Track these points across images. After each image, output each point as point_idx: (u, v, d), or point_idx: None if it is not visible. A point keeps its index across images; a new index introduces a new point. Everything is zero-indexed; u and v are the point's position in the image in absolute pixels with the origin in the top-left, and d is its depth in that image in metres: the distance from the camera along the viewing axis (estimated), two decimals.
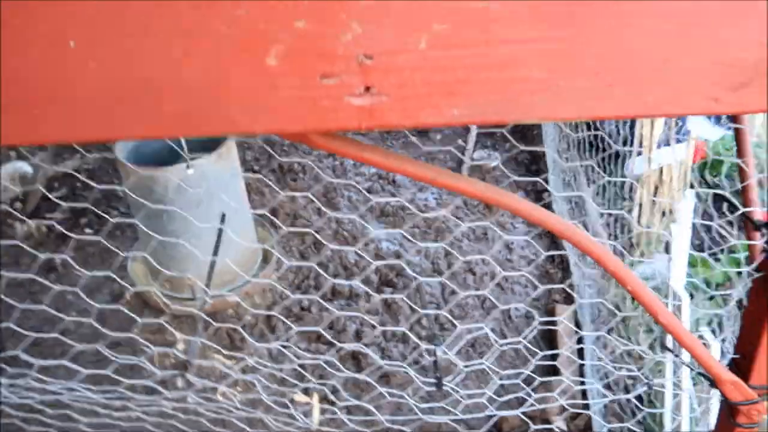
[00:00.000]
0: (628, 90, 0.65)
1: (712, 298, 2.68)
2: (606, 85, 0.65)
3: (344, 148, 0.76)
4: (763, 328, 0.96)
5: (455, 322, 1.75)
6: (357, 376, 1.93)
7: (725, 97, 0.65)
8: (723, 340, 1.75)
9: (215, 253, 2.64)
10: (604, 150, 3.05)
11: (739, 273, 2.73)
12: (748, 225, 1.01)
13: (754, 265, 0.94)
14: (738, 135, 1.07)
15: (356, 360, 2.73)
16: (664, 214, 2.99)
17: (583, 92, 0.65)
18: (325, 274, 2.78)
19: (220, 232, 2.52)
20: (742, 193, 1.05)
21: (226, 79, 0.64)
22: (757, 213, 1.02)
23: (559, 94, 0.65)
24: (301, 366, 2.44)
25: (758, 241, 0.89)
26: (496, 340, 1.72)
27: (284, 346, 2.47)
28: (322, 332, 2.15)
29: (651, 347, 2.40)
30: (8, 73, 0.65)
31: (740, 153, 1.07)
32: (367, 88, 0.65)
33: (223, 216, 2.67)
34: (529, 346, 1.39)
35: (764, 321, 0.95)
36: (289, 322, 2.59)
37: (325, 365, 1.80)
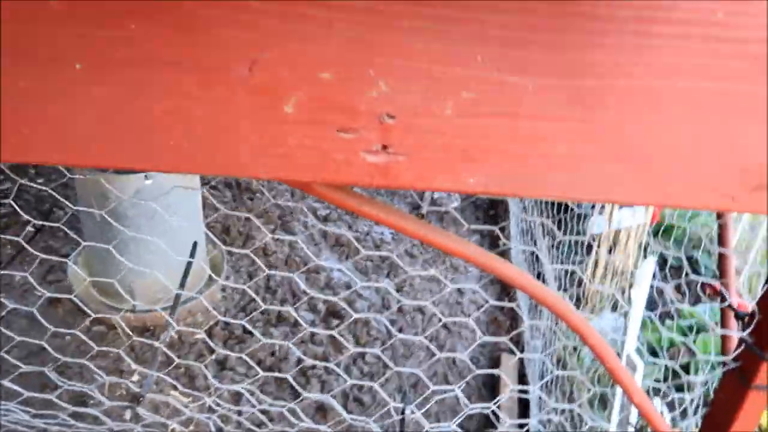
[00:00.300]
0: (649, 179, 0.64)
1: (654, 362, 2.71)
2: (627, 172, 0.63)
3: (345, 200, 0.73)
4: (734, 417, 0.96)
5: (428, 382, 1.72)
6: (320, 426, 1.87)
7: (741, 197, 0.65)
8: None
9: (182, 285, 2.57)
10: (564, 205, 3.08)
11: (689, 339, 2.76)
12: (726, 314, 1.02)
13: (732, 356, 0.94)
14: (721, 226, 1.08)
15: (294, 390, 2.68)
16: (615, 274, 3.03)
17: (604, 175, 0.64)
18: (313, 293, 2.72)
19: (189, 264, 2.45)
20: (723, 282, 1.05)
21: (239, 121, 0.61)
22: (734, 302, 1.03)
23: (580, 175, 0.64)
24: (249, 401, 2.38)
25: (743, 333, 0.89)
26: (466, 404, 1.69)
27: (238, 384, 2.40)
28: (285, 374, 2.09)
29: (591, 406, 2.41)
30: (4, 86, 0.61)
31: (722, 242, 1.08)
32: (385, 147, 0.62)
33: (195, 245, 2.60)
34: (497, 411, 1.37)
35: (736, 411, 0.95)
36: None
37: (288, 414, 1.74)
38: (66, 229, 1.71)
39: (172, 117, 0.61)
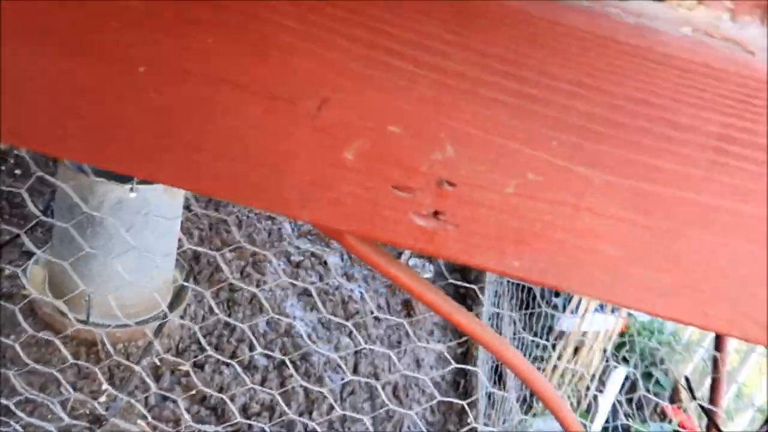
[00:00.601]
0: (694, 298, 0.62)
1: None
2: (674, 286, 0.62)
3: (375, 257, 0.70)
4: None
5: None
6: None
7: None
8: None
9: (171, 306, 2.50)
10: (534, 294, 3.08)
11: None
12: None
13: None
14: (719, 352, 1.07)
15: None
16: (575, 375, 3.01)
17: (650, 285, 0.62)
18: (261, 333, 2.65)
19: (181, 287, 2.38)
20: (712, 410, 1.03)
21: (294, 157, 0.59)
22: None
23: (625, 280, 0.62)
24: None
25: None
26: None
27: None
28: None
29: None
30: (54, 72, 0.58)
31: (716, 368, 1.07)
32: (437, 213, 0.60)
33: (190, 271, 2.54)
34: None
35: None
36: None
37: None
38: (47, 218, 1.65)
39: (227, 140, 0.58)
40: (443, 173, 0.59)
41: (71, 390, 1.99)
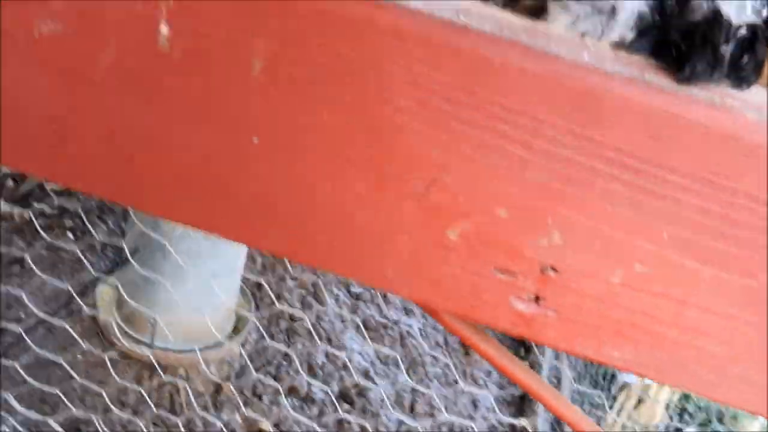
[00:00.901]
0: None
1: None
2: None
3: (471, 335, 0.70)
4: None
5: None
6: None
7: None
8: None
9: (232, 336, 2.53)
10: None
11: None
12: None
13: None
14: None
15: None
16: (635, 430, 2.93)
17: (750, 385, 0.60)
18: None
19: (242, 315, 2.41)
20: None
21: (398, 234, 0.59)
22: None
23: (729, 378, 0.60)
24: None
25: None
26: None
27: None
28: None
29: None
30: (171, 137, 0.59)
31: None
32: (537, 298, 0.59)
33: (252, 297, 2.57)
34: None
35: None
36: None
37: None
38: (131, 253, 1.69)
39: (332, 213, 0.59)
40: (548, 259, 0.58)
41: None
